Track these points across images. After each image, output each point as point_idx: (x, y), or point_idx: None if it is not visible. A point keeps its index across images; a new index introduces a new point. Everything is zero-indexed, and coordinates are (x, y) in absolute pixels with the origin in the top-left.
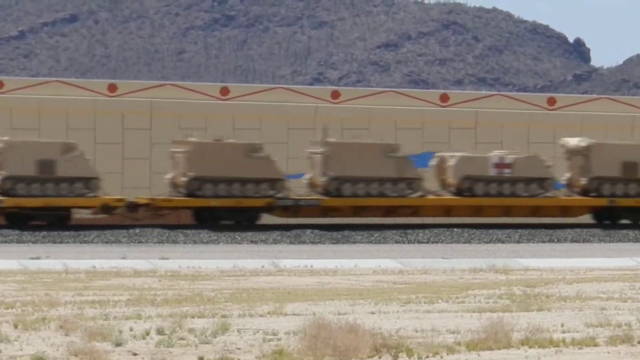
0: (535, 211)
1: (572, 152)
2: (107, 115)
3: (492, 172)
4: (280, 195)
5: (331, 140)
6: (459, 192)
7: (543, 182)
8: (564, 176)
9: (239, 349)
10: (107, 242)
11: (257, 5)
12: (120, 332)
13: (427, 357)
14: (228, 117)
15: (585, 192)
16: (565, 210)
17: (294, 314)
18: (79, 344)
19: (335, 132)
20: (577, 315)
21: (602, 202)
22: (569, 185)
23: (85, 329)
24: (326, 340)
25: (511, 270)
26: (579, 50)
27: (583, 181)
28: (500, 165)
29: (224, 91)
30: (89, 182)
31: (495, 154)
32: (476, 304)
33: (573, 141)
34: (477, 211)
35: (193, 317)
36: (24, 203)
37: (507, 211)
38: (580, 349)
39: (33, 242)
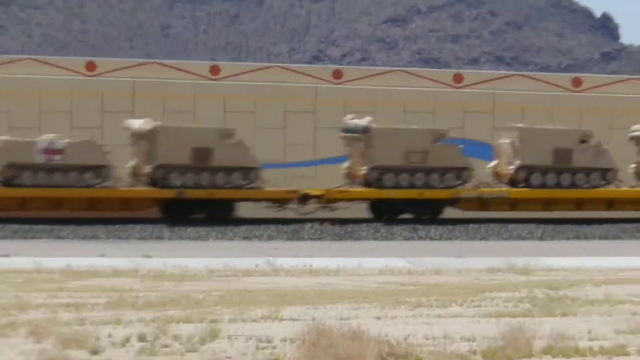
0: (92, 204)
1: (137, 136)
2: (85, 97)
3: (40, 159)
4: None
5: None
6: (6, 182)
7: (100, 171)
8: (127, 164)
9: (229, 357)
10: (83, 238)
11: None
12: (98, 338)
13: None
14: (218, 99)
15: (153, 182)
16: (128, 203)
17: (291, 319)
18: (51, 352)
19: (336, 115)
20: (605, 320)
21: (170, 193)
22: (134, 174)
23: (59, 335)
24: (327, 349)
25: (533, 270)
26: (607, 25)
27: (148, 169)
28: (50, 151)
29: (214, 70)
30: None
31: (44, 138)
32: (494, 307)
33: (137, 123)
34: (22, 205)
35: (179, 322)
36: None
37: (58, 204)
38: (609, 358)
39: (2, 238)
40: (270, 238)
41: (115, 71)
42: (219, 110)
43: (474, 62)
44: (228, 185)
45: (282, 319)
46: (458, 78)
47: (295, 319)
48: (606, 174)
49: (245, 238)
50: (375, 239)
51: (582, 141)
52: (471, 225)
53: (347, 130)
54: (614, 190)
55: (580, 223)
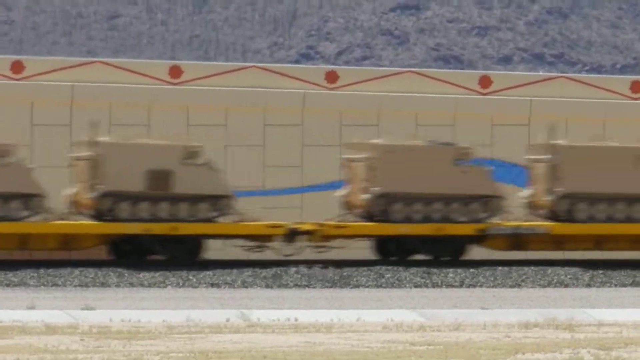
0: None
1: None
2: (10, 105)
3: None
4: None
5: None
6: None
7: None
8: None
9: None
10: (8, 285)
11: None
12: None
13: None
14: (180, 108)
15: None
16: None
17: None
18: None
19: (330, 128)
20: None
21: None
22: None
23: None
24: None
25: (578, 325)
26: None
27: None
28: None
29: (175, 72)
30: None
31: None
32: None
33: None
34: None
35: None
36: None
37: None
38: None
39: None
40: (244, 285)
41: (49, 73)
42: (180, 122)
43: (505, 61)
44: None
45: None
46: (485, 81)
47: None
48: None
49: (214, 285)
50: (379, 286)
51: None
52: (500, 268)
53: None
54: None
55: (638, 266)
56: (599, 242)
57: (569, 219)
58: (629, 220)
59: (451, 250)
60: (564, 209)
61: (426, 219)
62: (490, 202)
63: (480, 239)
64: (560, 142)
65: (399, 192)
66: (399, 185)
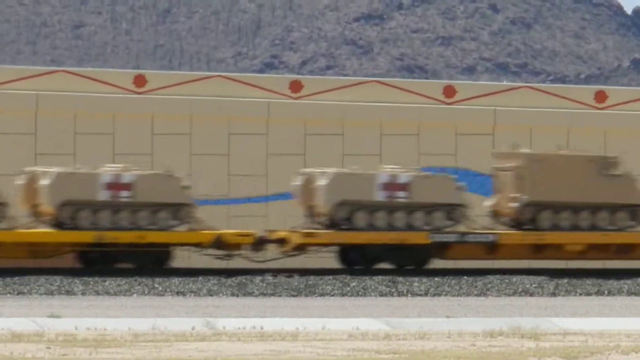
0: None
1: None
2: None
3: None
4: None
5: None
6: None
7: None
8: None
9: None
10: None
11: None
12: None
13: None
14: (144, 118)
15: None
16: None
17: None
18: None
19: (294, 137)
20: None
21: None
22: None
23: None
24: None
25: (543, 334)
26: None
27: None
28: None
29: (139, 81)
30: None
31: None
32: None
33: None
34: None
35: None
36: None
37: None
38: None
39: None
40: (210, 293)
41: (13, 82)
42: (144, 131)
43: (469, 71)
44: None
45: None
46: (449, 91)
47: None
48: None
49: (179, 293)
50: (344, 294)
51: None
52: (465, 277)
53: None
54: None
55: (603, 275)
56: None
57: None
58: None
59: None
60: None
61: None
62: None
63: None
64: None
65: None
66: None
